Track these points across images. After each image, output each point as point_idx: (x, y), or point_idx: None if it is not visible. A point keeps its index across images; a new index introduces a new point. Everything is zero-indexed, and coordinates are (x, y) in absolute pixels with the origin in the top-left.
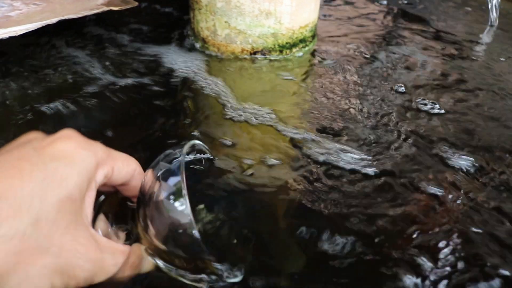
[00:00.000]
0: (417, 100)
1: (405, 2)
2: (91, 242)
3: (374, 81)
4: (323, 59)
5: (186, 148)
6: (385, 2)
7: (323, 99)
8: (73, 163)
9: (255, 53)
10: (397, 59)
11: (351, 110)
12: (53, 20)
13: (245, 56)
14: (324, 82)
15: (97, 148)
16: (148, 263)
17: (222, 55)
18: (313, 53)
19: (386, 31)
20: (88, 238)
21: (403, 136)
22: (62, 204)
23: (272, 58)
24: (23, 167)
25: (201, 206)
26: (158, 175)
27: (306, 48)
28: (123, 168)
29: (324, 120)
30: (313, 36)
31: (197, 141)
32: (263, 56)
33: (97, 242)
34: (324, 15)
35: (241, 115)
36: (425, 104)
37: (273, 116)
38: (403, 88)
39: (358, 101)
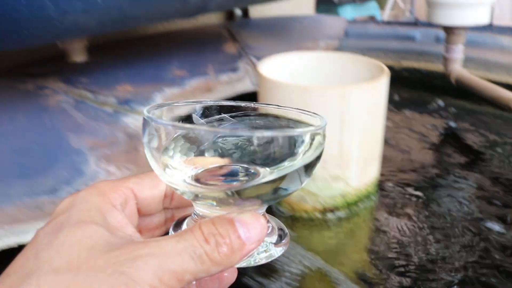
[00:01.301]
0: None
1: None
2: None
3: (450, 229)
4: (388, 208)
5: None
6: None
7: (395, 250)
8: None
9: (325, 211)
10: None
11: (427, 259)
12: None
13: (316, 214)
14: (392, 232)
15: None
16: None
17: (294, 213)
18: (378, 204)
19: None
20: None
21: None
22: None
23: (340, 214)
24: None
25: None
26: None
27: (371, 201)
28: (145, 185)
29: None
30: (377, 185)
31: None
32: (332, 213)
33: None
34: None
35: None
36: None
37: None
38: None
39: (433, 250)
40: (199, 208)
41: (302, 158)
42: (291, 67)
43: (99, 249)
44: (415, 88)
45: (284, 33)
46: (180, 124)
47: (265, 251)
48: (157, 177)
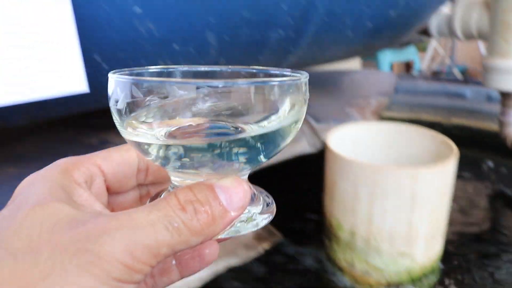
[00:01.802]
0: None
1: None
2: None
3: None
4: (453, 280)
5: None
6: None
7: None
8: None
9: (389, 285)
10: None
11: None
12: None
13: None
14: None
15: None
16: None
17: (358, 286)
18: (442, 277)
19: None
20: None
21: None
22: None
23: None
24: None
25: None
26: None
27: (436, 275)
28: (114, 160)
29: None
30: (441, 258)
31: None
32: None
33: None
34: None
35: None
36: None
37: None
38: None
39: None
40: (176, 178)
41: (284, 116)
42: (356, 137)
43: (62, 226)
44: (464, 145)
45: (335, 88)
46: (154, 78)
47: (249, 220)
48: (127, 151)
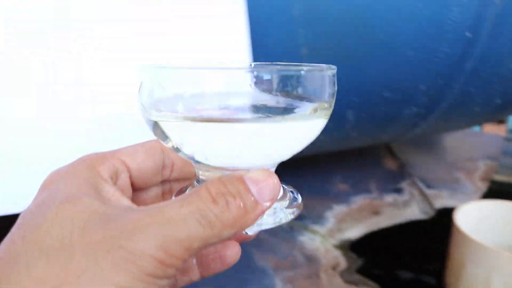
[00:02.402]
0: None
1: None
2: None
3: None
4: None
5: None
6: None
7: None
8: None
9: None
10: None
11: None
12: None
13: None
14: None
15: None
16: None
17: None
18: None
19: None
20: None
21: None
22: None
23: None
24: None
25: None
26: None
27: None
28: (139, 156)
29: None
30: None
31: None
32: None
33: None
34: None
35: None
36: None
37: None
38: None
39: None
40: (204, 172)
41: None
42: (483, 215)
43: (94, 223)
44: None
45: (442, 150)
46: (187, 65)
47: (275, 214)
48: (152, 147)
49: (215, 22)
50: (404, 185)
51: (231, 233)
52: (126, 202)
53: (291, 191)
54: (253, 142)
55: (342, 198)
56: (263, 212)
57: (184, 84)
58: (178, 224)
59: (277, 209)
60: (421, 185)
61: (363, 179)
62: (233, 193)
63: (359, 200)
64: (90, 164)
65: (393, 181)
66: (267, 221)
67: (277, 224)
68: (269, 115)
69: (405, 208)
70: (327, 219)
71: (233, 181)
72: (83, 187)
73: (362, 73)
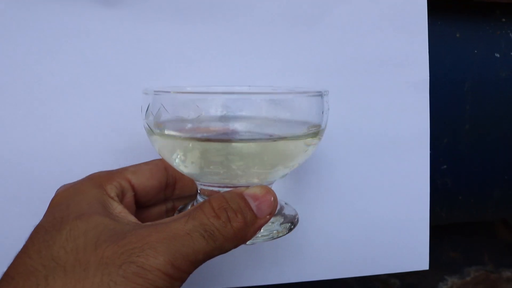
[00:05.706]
0: None
1: None
2: None
3: None
4: None
5: None
6: None
7: None
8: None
9: None
10: None
11: None
12: None
13: None
14: None
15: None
16: None
17: None
18: None
19: None
20: None
21: None
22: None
23: None
24: None
25: None
26: None
27: None
28: (143, 175)
29: None
30: None
31: None
32: None
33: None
34: None
35: None
36: None
37: None
38: None
39: None
40: (203, 187)
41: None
42: None
43: (106, 239)
44: None
45: None
46: (188, 90)
47: (271, 228)
48: (156, 166)
49: None
50: None
51: (232, 246)
52: (133, 219)
53: (287, 206)
54: (249, 160)
55: (453, 268)
56: (261, 226)
57: (185, 107)
58: (184, 239)
59: (274, 224)
60: None
61: (476, 249)
62: (234, 209)
63: (473, 272)
64: (98, 182)
65: (510, 255)
66: (267, 235)
67: (274, 238)
68: (265, 135)
69: None
70: None
71: (234, 197)
72: (94, 205)
73: None
